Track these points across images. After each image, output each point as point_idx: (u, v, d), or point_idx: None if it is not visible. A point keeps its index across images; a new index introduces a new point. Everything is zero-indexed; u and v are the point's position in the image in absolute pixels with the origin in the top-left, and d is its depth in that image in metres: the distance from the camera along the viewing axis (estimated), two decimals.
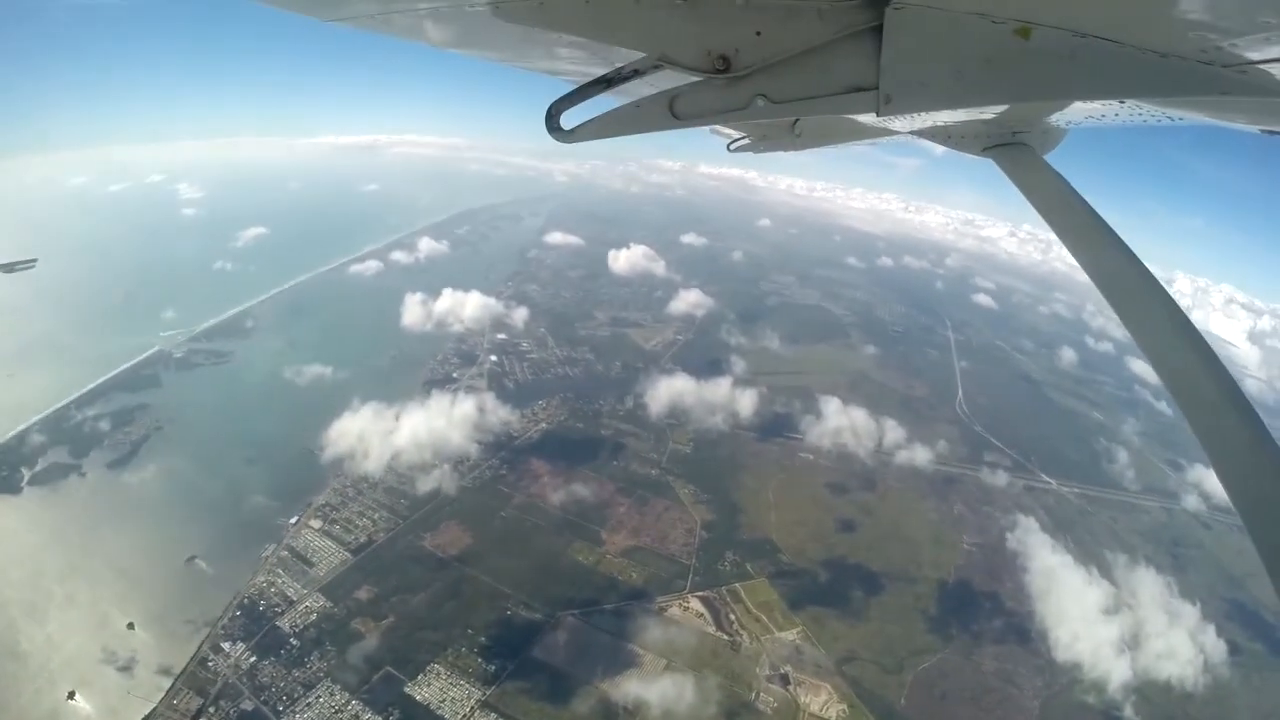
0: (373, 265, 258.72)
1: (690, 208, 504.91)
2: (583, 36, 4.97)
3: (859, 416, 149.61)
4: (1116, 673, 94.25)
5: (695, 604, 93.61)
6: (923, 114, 5.61)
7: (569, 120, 5.65)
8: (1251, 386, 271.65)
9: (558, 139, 5.76)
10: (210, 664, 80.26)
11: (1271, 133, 4.83)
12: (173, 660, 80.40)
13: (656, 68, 4.86)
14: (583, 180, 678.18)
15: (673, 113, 5.07)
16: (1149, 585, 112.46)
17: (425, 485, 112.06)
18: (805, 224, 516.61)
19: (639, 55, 4.89)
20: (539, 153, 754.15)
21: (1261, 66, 3.40)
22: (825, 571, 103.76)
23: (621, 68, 5.14)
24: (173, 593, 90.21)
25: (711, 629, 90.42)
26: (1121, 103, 4.71)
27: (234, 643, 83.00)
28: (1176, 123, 5.12)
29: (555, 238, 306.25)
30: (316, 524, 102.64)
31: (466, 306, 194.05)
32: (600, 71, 5.36)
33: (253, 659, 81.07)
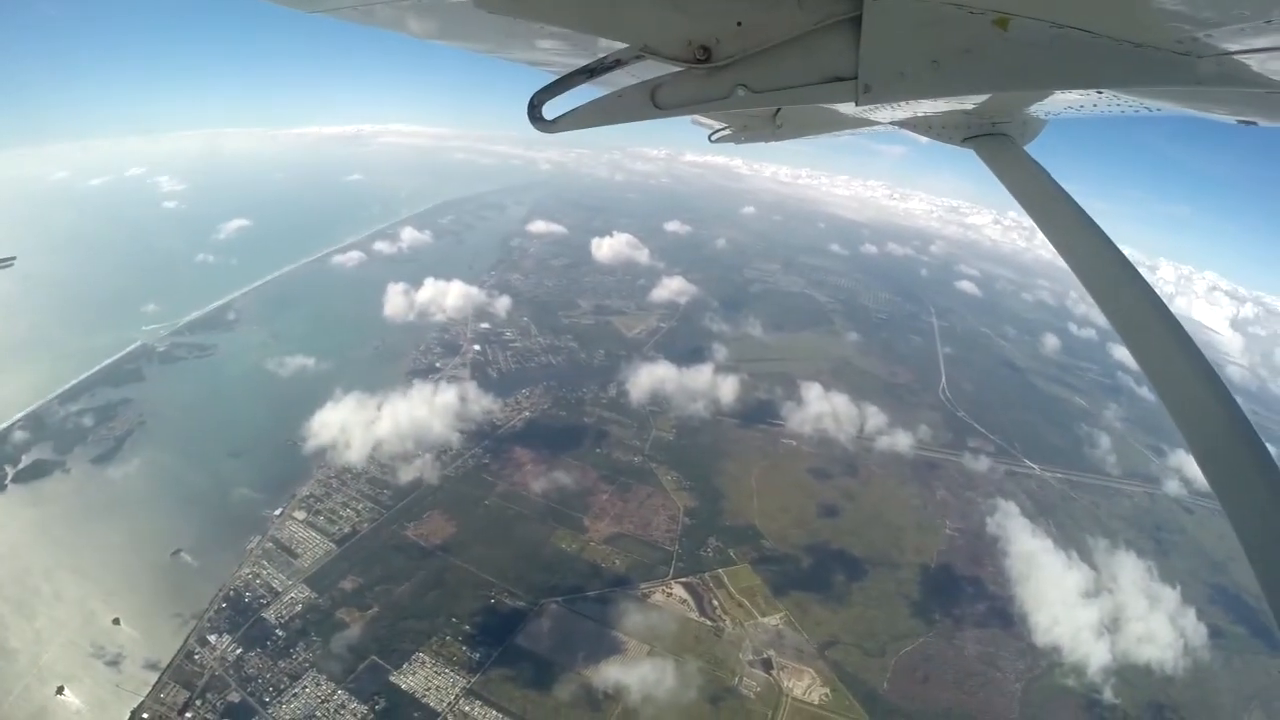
0: (355, 256, 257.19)
1: (674, 195, 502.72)
2: (564, 27, 5.03)
3: (842, 403, 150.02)
4: (1096, 656, 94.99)
5: (678, 590, 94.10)
6: (902, 104, 5.76)
7: (551, 110, 5.74)
8: (1234, 373, 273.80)
9: (540, 129, 5.83)
10: (197, 657, 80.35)
11: (1247, 123, 4.92)
12: (159, 654, 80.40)
13: (638, 58, 4.92)
14: (567, 169, 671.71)
15: (654, 103, 5.14)
16: (1130, 569, 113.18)
17: (408, 475, 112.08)
18: (789, 211, 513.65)
19: (621, 46, 4.96)
20: (524, 141, 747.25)
21: (1237, 57, 3.53)
22: (808, 557, 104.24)
23: (603, 58, 5.22)
24: (159, 587, 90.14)
25: (694, 615, 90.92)
26: (1099, 93, 4.85)
27: (220, 635, 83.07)
28: (1155, 113, 5.23)
29: (539, 226, 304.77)
30: (301, 515, 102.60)
31: (449, 296, 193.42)
32: (582, 62, 5.43)
33: (239, 651, 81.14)
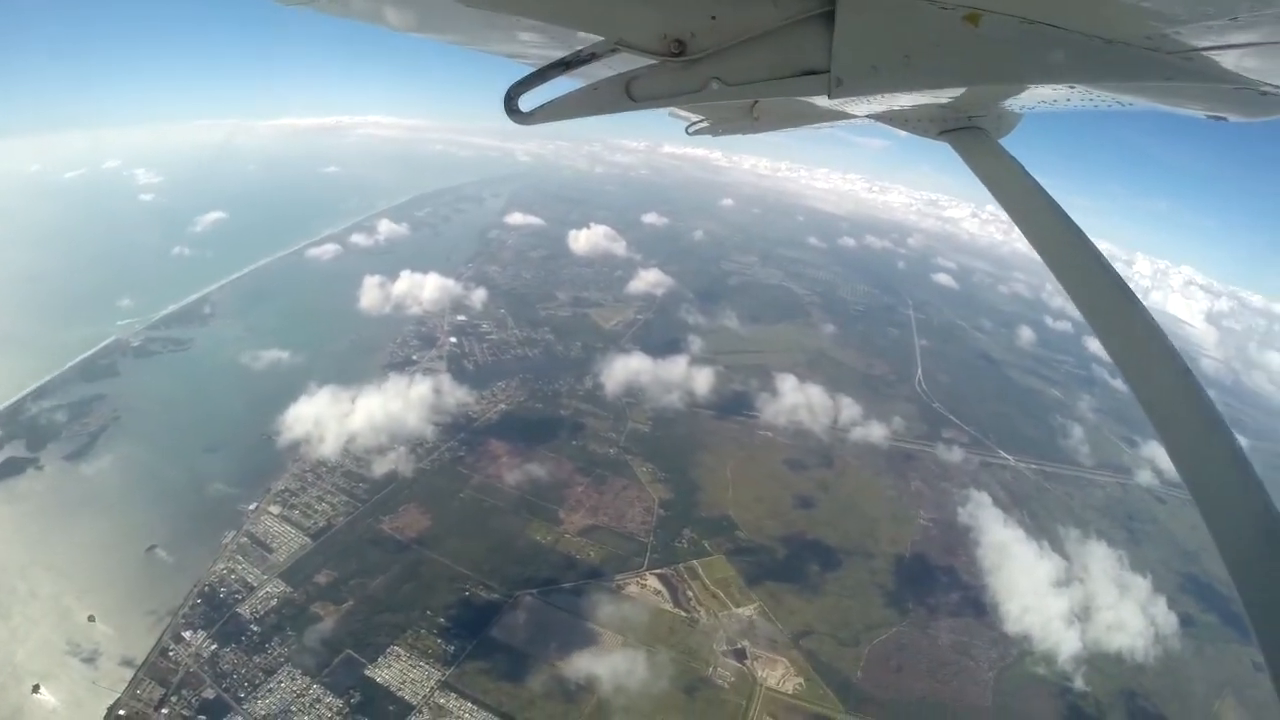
0: (331, 248, 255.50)
1: (653, 188, 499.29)
2: (540, 20, 5.10)
3: (818, 394, 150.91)
4: (1067, 644, 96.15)
5: (653, 581, 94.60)
6: (876, 97, 5.74)
7: (527, 103, 5.76)
8: (1208, 366, 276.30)
9: (516, 121, 5.83)
10: (171, 653, 79.86)
11: (1217, 118, 4.99)
12: (135, 651, 79.89)
13: (613, 51, 4.94)
14: (546, 161, 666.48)
15: (629, 95, 5.20)
16: (1101, 559, 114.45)
17: (383, 468, 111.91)
18: (768, 204, 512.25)
19: (596, 39, 4.98)
20: (502, 133, 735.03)
21: (1204, 53, 3.61)
22: (783, 548, 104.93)
23: (579, 51, 5.20)
24: (134, 583, 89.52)
25: (669, 606, 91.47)
26: (1072, 88, 4.84)
27: (195, 631, 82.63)
28: (1128, 108, 5.27)
29: (516, 218, 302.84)
30: (275, 509, 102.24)
31: (426, 288, 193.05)
32: (558, 55, 5.42)
33: (214, 647, 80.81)
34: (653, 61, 4.86)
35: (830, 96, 4.43)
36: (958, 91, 5.78)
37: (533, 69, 5.61)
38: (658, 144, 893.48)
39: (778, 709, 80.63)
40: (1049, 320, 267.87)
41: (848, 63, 4.20)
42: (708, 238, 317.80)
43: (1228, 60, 3.67)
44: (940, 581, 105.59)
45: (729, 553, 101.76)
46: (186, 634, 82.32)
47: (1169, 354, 4.68)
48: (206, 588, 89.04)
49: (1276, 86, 4.08)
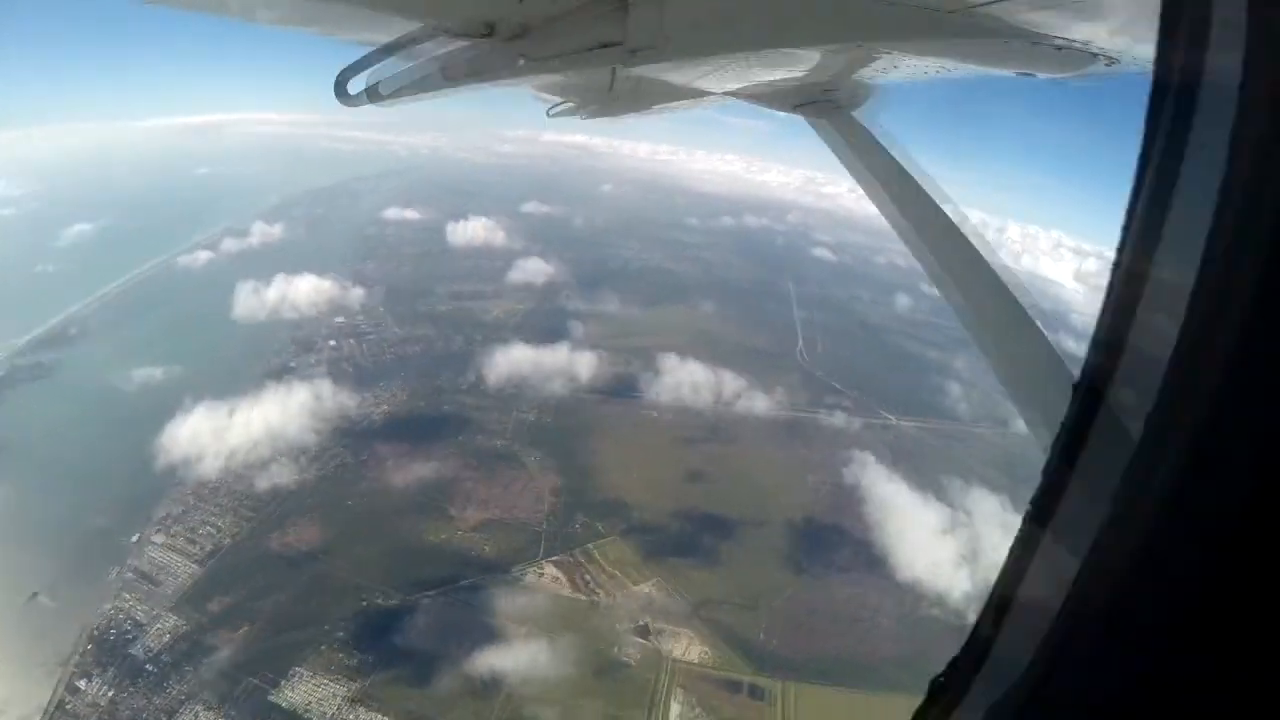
0: (203, 256, 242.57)
1: (533, 176, 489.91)
2: (366, 7, 5.33)
3: (702, 371, 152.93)
4: (958, 585, 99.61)
5: (550, 569, 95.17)
6: (727, 72, 6.16)
7: (355, 87, 6.27)
8: (1077, 321, 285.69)
9: (344, 104, 6.38)
10: (69, 706, 76.10)
11: (1026, 75, 5.31)
12: (30, 708, 75.47)
13: (434, 34, 5.32)
14: (425, 154, 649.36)
15: (446, 75, 5.61)
16: (985, 504, 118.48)
17: (266, 483, 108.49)
18: (648, 187, 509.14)
19: (419, 24, 5.36)
20: (379, 126, 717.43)
21: (984, 9, 3.88)
22: (677, 523, 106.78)
23: (402, 36, 5.61)
24: (20, 635, 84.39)
25: (568, 591, 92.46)
26: (895, 60, 5.31)
27: (89, 680, 78.75)
28: (950, 74, 5.65)
29: (394, 214, 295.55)
30: (160, 539, 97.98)
31: (302, 291, 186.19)
32: (388, 39, 5.82)
33: (111, 693, 77.38)
34: (466, 44, 5.38)
35: (626, 65, 5.04)
36: (760, 58, 6.17)
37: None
38: (537, 132, 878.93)
39: (689, 679, 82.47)
40: (924, 286, 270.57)
41: (640, 34, 4.63)
42: (587, 224, 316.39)
43: (1009, 15, 4.07)
44: (833, 540, 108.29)
45: (624, 533, 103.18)
46: (81, 683, 78.35)
47: (1011, 306, 5.48)
48: (96, 631, 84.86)
49: (1072, 40, 4.56)
